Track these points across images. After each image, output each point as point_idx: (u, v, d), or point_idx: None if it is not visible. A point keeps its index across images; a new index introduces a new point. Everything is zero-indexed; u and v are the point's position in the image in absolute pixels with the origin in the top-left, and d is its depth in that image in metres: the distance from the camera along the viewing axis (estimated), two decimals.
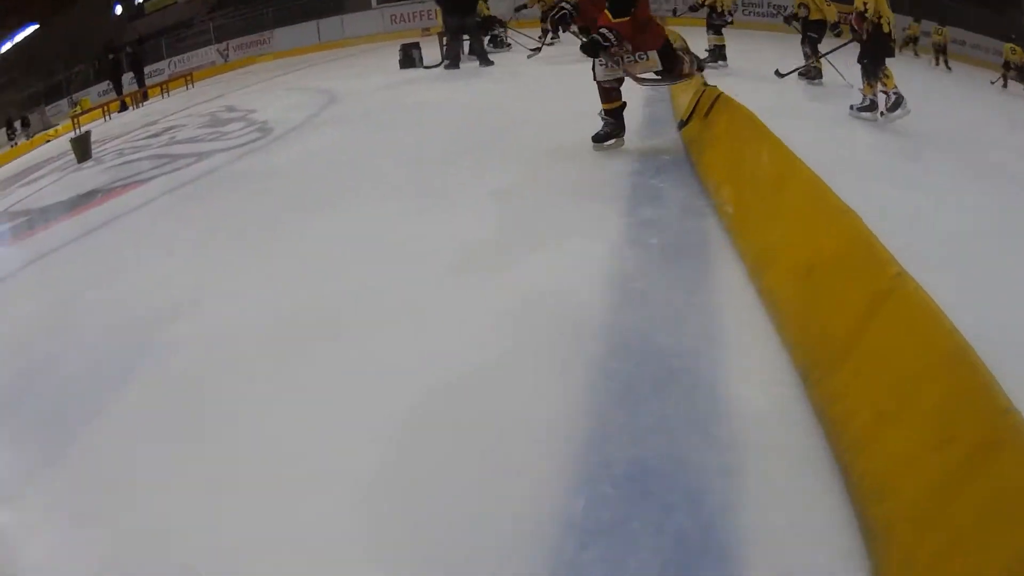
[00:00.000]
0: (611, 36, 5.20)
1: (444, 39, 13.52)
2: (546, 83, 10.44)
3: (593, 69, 5.60)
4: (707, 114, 5.27)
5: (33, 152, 18.66)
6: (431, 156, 6.63)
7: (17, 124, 24.93)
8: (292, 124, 9.71)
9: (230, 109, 12.66)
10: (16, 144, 22.34)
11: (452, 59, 12.82)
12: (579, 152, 5.68)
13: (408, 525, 2.05)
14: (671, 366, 2.61)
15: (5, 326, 4.70)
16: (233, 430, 2.71)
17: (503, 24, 15.30)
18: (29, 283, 6.08)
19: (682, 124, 6.00)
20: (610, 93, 5.69)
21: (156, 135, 12.12)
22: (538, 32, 14.31)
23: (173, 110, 15.50)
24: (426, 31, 19.52)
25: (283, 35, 25.59)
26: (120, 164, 10.39)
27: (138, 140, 12.31)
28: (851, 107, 7.93)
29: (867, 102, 7.70)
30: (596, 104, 5.83)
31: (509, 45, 15.02)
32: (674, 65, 5.54)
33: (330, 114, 10.23)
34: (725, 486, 2.01)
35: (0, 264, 7.69)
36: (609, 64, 5.46)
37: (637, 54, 5.39)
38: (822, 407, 2.22)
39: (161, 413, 2.94)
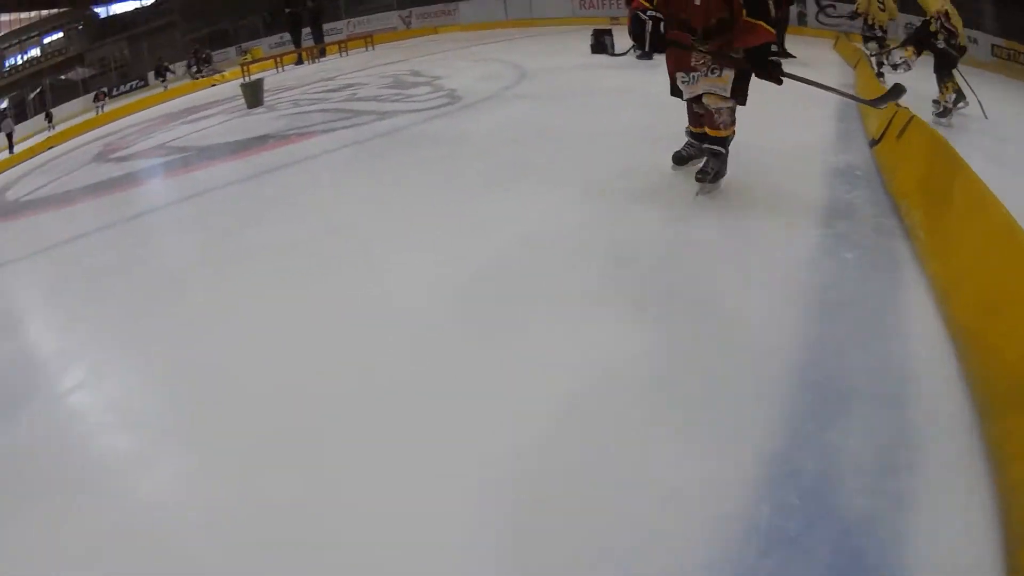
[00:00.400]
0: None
1: None
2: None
3: (678, 83, 4.68)
4: (900, 136, 5.01)
5: (198, 93, 18.88)
6: (622, 144, 5.98)
7: (192, 62, 25.74)
8: (483, 94, 8.97)
9: (415, 74, 12.05)
10: (199, 77, 22.80)
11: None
12: (772, 156, 5.10)
13: (587, 519, 2.07)
14: (857, 385, 2.55)
15: (156, 252, 5.17)
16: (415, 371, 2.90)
17: None
18: (187, 215, 6.09)
19: (874, 143, 5.53)
20: (699, 117, 4.77)
21: (335, 90, 11.65)
22: None
23: (352, 69, 15.17)
24: (615, 20, 18.59)
25: (468, 8, 25.15)
26: (295, 114, 10.00)
27: (315, 93, 11.90)
28: (932, 113, 7.89)
29: (941, 108, 7.85)
30: (791, 104, 5.34)
31: None
32: (742, 88, 4.50)
33: (522, 89, 9.41)
34: (899, 513, 2.00)
35: (154, 196, 7.62)
36: (691, 79, 4.56)
37: (712, 68, 4.47)
38: (991, 446, 2.20)
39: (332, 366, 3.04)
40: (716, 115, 4.56)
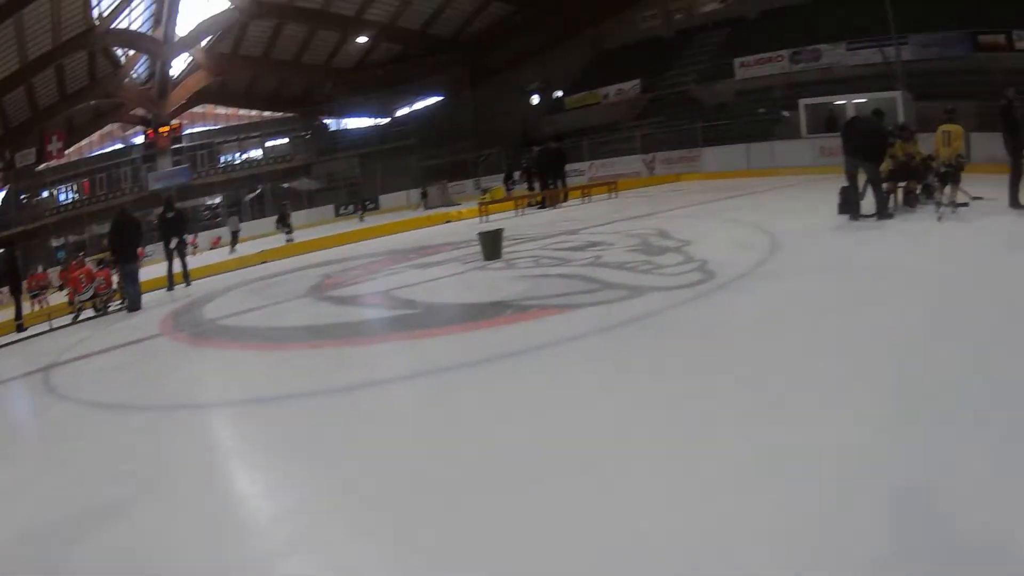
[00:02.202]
0: None
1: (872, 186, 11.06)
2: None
3: None
4: None
5: (432, 230, 19.43)
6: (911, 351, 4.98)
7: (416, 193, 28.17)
8: (737, 270, 8.20)
9: (663, 235, 11.64)
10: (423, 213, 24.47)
11: (882, 210, 10.75)
12: None
13: None
14: None
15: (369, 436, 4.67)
16: None
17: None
18: (406, 398, 5.72)
19: None
20: None
21: (578, 249, 11.38)
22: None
23: (595, 221, 15.05)
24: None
25: (711, 155, 25.00)
26: (536, 276, 9.59)
27: (557, 250, 11.69)
28: None
29: None
30: None
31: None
32: None
33: (778, 264, 8.58)
34: None
35: (370, 362, 7.27)
36: None
37: None
38: None
39: None
40: None
